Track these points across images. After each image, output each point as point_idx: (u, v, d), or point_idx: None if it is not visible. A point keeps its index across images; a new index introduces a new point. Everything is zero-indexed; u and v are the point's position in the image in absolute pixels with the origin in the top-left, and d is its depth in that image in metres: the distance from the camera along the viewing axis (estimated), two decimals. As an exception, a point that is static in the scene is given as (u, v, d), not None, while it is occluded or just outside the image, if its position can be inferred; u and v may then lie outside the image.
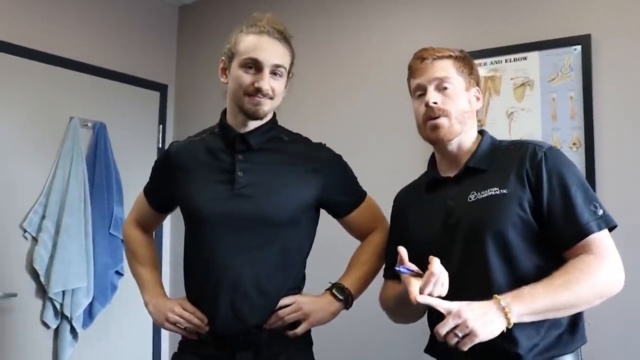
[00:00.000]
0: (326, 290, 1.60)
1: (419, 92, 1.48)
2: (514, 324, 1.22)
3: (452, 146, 1.46)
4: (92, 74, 3.05)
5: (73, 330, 2.77)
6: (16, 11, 2.75)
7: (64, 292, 2.72)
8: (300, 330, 1.53)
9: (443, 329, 1.21)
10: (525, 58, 2.46)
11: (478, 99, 1.51)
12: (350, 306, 1.60)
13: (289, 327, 1.53)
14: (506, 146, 1.46)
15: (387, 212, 1.73)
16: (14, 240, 2.67)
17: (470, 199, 1.39)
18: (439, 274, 1.23)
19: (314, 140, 1.67)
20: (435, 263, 1.24)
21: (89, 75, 3.03)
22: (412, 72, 1.50)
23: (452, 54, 1.47)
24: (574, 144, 2.34)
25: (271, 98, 1.52)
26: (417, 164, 2.65)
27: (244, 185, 1.53)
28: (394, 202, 1.66)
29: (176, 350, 1.64)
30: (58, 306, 2.73)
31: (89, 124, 3.00)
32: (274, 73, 1.52)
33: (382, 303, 1.59)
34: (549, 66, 2.40)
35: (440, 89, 1.44)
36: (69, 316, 2.74)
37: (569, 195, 1.31)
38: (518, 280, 1.29)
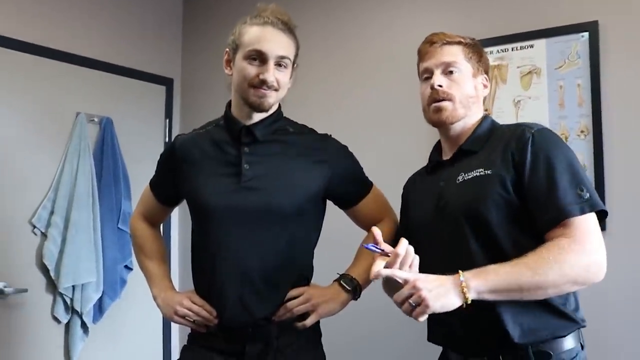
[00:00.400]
0: (334, 281, 1.60)
1: (426, 75, 1.50)
2: (500, 303, 1.25)
3: (455, 130, 1.48)
4: (98, 69, 3.04)
5: (84, 325, 2.79)
6: (22, 7, 2.75)
7: (74, 287, 2.74)
8: (309, 321, 1.53)
9: (398, 296, 1.23)
10: (532, 46, 2.44)
11: (485, 86, 1.53)
12: (359, 297, 1.60)
13: (298, 318, 1.53)
14: (503, 129, 1.46)
15: (392, 203, 1.73)
16: (23, 236, 2.68)
17: (458, 180, 1.40)
18: (404, 255, 1.23)
19: (320, 132, 1.66)
20: (402, 244, 1.24)
21: (94, 70, 3.03)
22: (421, 55, 1.53)
23: (462, 40, 1.49)
24: (582, 131, 2.32)
25: (276, 90, 1.52)
26: (422, 157, 2.65)
27: (251, 178, 1.53)
28: (403, 187, 1.69)
29: (185, 343, 1.65)
30: (68, 301, 2.74)
31: (96, 119, 3.00)
32: (278, 64, 1.51)
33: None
34: (556, 54, 2.38)
35: (447, 73, 1.46)
36: (79, 311, 2.75)
37: (553, 177, 1.29)
38: (502, 261, 1.27)
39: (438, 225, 1.41)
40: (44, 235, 2.72)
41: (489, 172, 1.34)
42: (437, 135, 2.60)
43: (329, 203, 1.67)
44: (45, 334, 2.72)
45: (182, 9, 3.59)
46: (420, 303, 1.19)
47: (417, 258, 1.27)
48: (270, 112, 1.58)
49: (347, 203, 1.67)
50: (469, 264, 1.28)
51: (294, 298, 1.52)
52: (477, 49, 1.51)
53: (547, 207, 1.28)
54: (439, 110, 1.45)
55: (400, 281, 1.22)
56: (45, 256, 2.69)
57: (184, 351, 1.64)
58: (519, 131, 1.37)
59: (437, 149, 1.59)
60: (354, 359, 2.69)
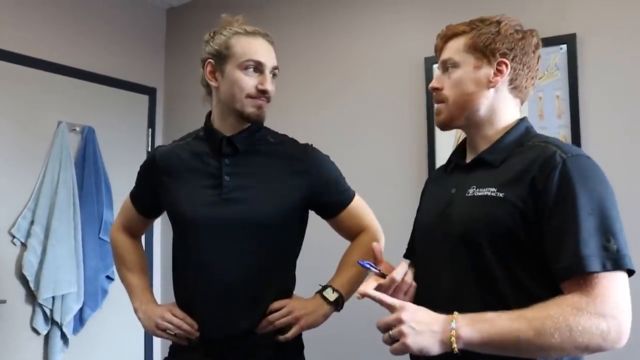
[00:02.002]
0: (316, 292, 1.59)
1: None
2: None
3: (469, 131, 1.32)
4: (80, 78, 3.03)
5: (63, 336, 2.77)
6: (2, 16, 2.74)
7: (53, 297, 2.72)
8: (291, 334, 1.52)
9: (380, 322, 1.08)
10: (512, 58, 2.46)
11: (500, 72, 1.27)
12: (342, 308, 1.60)
13: (280, 331, 1.53)
14: (534, 142, 1.23)
15: (374, 211, 1.73)
16: (2, 246, 2.65)
17: (468, 192, 1.24)
18: (399, 282, 1.14)
19: (302, 141, 1.67)
20: (400, 269, 1.15)
21: (76, 79, 3.02)
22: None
23: (465, 29, 1.31)
24: (562, 142, 2.35)
25: (269, 100, 1.54)
26: (405, 165, 2.69)
27: (231, 190, 1.52)
28: (426, 181, 1.57)
29: (167, 356, 1.64)
30: (48, 312, 2.72)
31: (77, 129, 2.98)
32: (273, 75, 1.54)
33: None
34: (536, 65, 2.41)
35: (445, 71, 1.32)
36: (59, 322, 2.73)
37: (577, 218, 1.07)
38: (494, 298, 1.14)
39: (439, 233, 1.27)
40: (24, 245, 2.70)
41: (501, 195, 1.16)
42: (419, 144, 2.65)
43: (312, 213, 1.67)
44: (24, 346, 2.69)
45: (166, 19, 3.59)
46: (399, 339, 1.05)
47: (413, 286, 1.17)
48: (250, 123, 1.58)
49: (329, 213, 1.67)
50: (455, 287, 1.19)
51: (276, 310, 1.52)
52: (484, 31, 1.28)
53: (563, 253, 1.08)
54: (436, 113, 1.34)
55: (387, 308, 1.09)
56: (24, 266, 2.67)
57: (165, 364, 1.63)
58: (549, 153, 1.15)
59: (462, 146, 1.40)
60: (337, 369, 2.69)
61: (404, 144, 2.73)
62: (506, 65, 1.27)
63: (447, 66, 1.31)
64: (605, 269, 1.05)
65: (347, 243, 1.71)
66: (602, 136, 2.29)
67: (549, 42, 2.40)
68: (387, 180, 2.70)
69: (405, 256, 1.60)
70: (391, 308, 1.08)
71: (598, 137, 2.29)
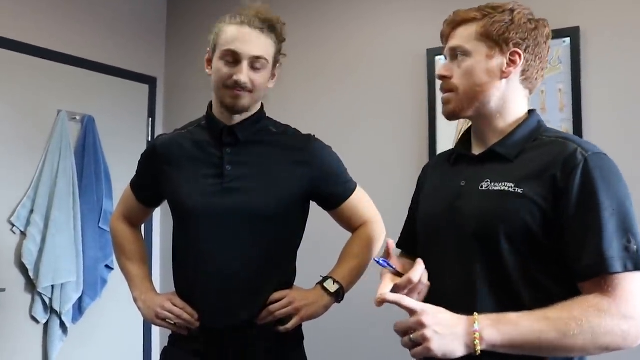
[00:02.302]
0: (317, 284, 1.59)
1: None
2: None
3: (479, 121, 1.28)
4: (80, 67, 3.02)
5: (63, 325, 2.77)
6: (3, 4, 2.72)
7: (53, 286, 2.71)
8: (291, 325, 1.52)
9: (400, 326, 1.07)
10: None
11: (513, 62, 1.23)
12: (342, 299, 1.60)
13: (280, 322, 1.53)
14: (548, 137, 1.21)
15: (376, 203, 1.73)
16: (1, 235, 2.65)
17: (482, 186, 1.20)
18: (417, 283, 1.12)
19: (303, 132, 1.66)
20: (417, 269, 1.13)
21: (76, 67, 3.00)
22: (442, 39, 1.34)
23: (476, 15, 1.24)
24: (563, 136, 2.34)
25: (250, 91, 1.50)
26: (406, 156, 2.68)
27: (233, 179, 1.52)
28: (422, 170, 1.54)
29: (166, 345, 1.64)
30: (47, 301, 2.71)
31: (77, 117, 2.97)
32: (253, 64, 1.49)
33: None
34: (538, 58, 2.41)
35: (454, 59, 1.26)
36: (58, 311, 2.73)
37: (598, 219, 1.07)
38: (506, 298, 1.14)
39: (447, 226, 1.25)
40: (23, 234, 2.70)
41: (519, 190, 1.14)
42: (420, 136, 2.64)
43: (313, 204, 1.67)
44: (23, 334, 2.69)
45: (166, 7, 3.57)
46: (422, 343, 1.02)
47: (427, 285, 1.15)
48: (252, 112, 1.57)
49: (330, 204, 1.66)
50: (469, 284, 1.17)
51: (276, 301, 1.52)
52: (497, 19, 1.22)
53: (585, 253, 1.07)
54: (444, 103, 1.28)
55: (407, 311, 1.06)
56: (24, 255, 2.66)
57: (165, 353, 1.63)
58: (570, 150, 1.13)
59: (467, 137, 1.36)
60: (336, 361, 2.70)
61: (405, 135, 2.72)
62: (519, 55, 1.22)
63: (456, 54, 1.25)
64: (626, 269, 1.05)
65: (348, 234, 1.70)
66: (604, 130, 2.28)
67: (552, 35, 2.39)
68: (388, 172, 2.70)
69: (398, 246, 1.58)
70: (411, 311, 1.05)
71: (600, 131, 2.29)
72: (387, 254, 1.23)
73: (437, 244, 1.27)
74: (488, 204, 1.17)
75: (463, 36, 1.25)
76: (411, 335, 1.04)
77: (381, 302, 1.08)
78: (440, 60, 2.63)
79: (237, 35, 1.48)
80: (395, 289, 1.13)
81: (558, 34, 2.37)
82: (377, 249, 1.68)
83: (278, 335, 1.53)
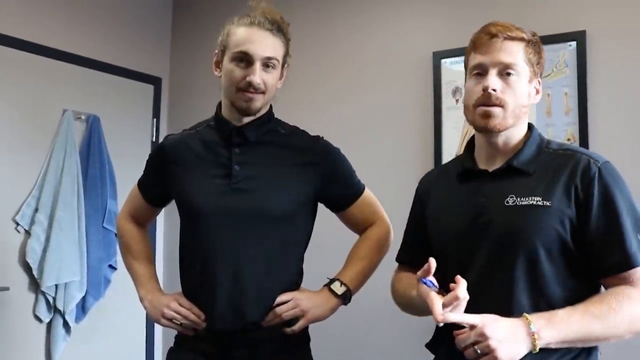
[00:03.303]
0: (324, 286, 1.59)
1: (478, 71, 1.31)
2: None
3: (500, 138, 1.33)
4: (86, 66, 3.02)
5: (66, 324, 2.76)
6: (9, 3, 2.72)
7: (56, 285, 2.71)
8: (297, 327, 1.52)
9: (462, 341, 1.14)
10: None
11: (538, 91, 1.36)
12: (349, 302, 1.59)
13: (287, 323, 1.52)
14: (554, 149, 1.33)
15: (383, 206, 1.73)
16: (6, 233, 2.65)
17: (508, 202, 1.27)
18: (463, 299, 1.16)
19: (312, 134, 1.66)
20: (462, 286, 1.16)
21: (82, 67, 3.00)
22: (476, 46, 1.32)
23: (524, 36, 1.31)
24: (569, 139, 2.35)
25: (263, 92, 1.50)
26: (412, 160, 2.68)
27: (241, 180, 1.52)
28: (419, 183, 1.57)
29: (172, 346, 1.64)
30: (51, 300, 2.71)
31: (83, 117, 2.97)
32: (266, 66, 1.49)
33: (393, 293, 1.53)
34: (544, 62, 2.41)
35: (503, 74, 1.29)
36: (61, 310, 2.73)
37: (618, 221, 1.21)
38: (541, 299, 1.23)
39: (474, 241, 1.30)
40: (28, 233, 2.70)
41: (548, 204, 1.23)
42: (425, 139, 2.64)
43: (320, 206, 1.67)
44: (26, 333, 2.69)
45: (172, 8, 3.58)
46: (488, 353, 1.10)
47: (467, 299, 1.19)
48: (261, 113, 1.57)
49: (338, 206, 1.66)
50: (509, 294, 1.24)
51: (283, 303, 1.51)
52: (538, 48, 1.34)
53: (610, 252, 1.20)
54: (488, 116, 1.28)
55: (467, 326, 1.14)
56: (28, 254, 2.66)
57: (171, 354, 1.63)
58: (585, 163, 1.25)
59: (470, 152, 1.42)
60: (340, 363, 2.70)
61: (410, 138, 2.72)
62: (540, 84, 1.37)
63: (508, 70, 1.29)
64: None
65: (356, 236, 1.70)
66: (609, 133, 2.28)
67: (558, 38, 2.40)
68: (394, 175, 2.70)
69: (401, 260, 1.58)
70: (472, 326, 1.13)
71: (606, 135, 2.29)
72: (427, 273, 1.23)
73: (462, 258, 1.33)
74: (521, 219, 1.25)
75: (516, 53, 1.30)
76: (477, 348, 1.12)
77: (444, 320, 1.13)
78: (445, 63, 2.63)
79: (248, 36, 1.48)
80: (442, 307, 1.17)
81: (564, 37, 2.38)
82: (385, 251, 1.67)
83: (284, 337, 1.52)
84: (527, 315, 1.15)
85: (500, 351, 1.10)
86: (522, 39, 1.30)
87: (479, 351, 1.11)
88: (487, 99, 1.28)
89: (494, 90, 1.27)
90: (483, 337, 1.10)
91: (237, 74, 1.48)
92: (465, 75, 1.38)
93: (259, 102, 1.51)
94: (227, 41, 1.51)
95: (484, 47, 1.30)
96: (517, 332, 1.13)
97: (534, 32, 1.35)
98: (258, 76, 1.47)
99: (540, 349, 1.14)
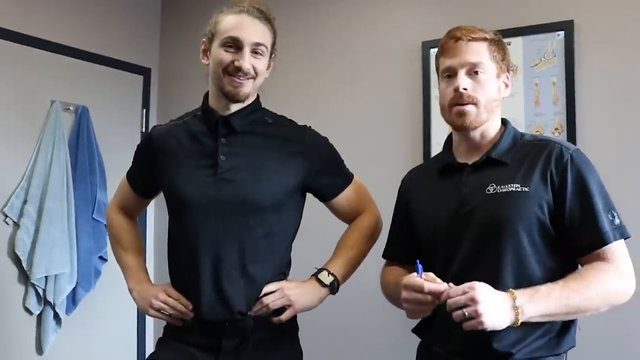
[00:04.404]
0: (312, 275, 1.59)
1: (448, 73, 1.41)
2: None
3: (475, 133, 1.42)
4: (74, 57, 3.00)
5: (56, 316, 2.76)
6: (-6, -8, 2.70)
7: (46, 277, 2.70)
8: (285, 316, 1.53)
9: (454, 304, 1.19)
10: (508, 43, 2.43)
11: (507, 85, 1.47)
12: (337, 291, 1.60)
13: (274, 313, 1.53)
14: (529, 141, 1.43)
15: (372, 196, 1.73)
16: (-5, 225, 2.64)
17: (489, 190, 1.36)
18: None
19: (300, 124, 1.66)
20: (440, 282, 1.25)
21: (70, 57, 2.98)
22: (444, 51, 1.43)
23: (487, 36, 1.41)
24: (556, 129, 2.36)
25: (252, 78, 1.50)
26: (401, 155, 2.68)
27: (227, 169, 1.52)
28: (401, 182, 1.64)
29: (161, 336, 1.64)
30: (41, 292, 2.71)
31: (71, 108, 2.96)
32: (254, 52, 1.50)
33: (383, 287, 1.59)
34: (532, 52, 2.42)
35: (472, 73, 1.38)
36: (52, 302, 2.72)
37: (590, 203, 1.30)
38: (525, 279, 1.29)
39: (459, 231, 1.38)
40: (17, 224, 2.69)
41: (526, 189, 1.32)
42: (414, 129, 2.65)
43: (309, 195, 1.67)
44: (16, 326, 2.69)
45: (161, -3, 3.55)
46: (475, 317, 1.17)
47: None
48: (248, 102, 1.57)
49: (326, 195, 1.66)
50: (495, 276, 1.29)
51: (270, 293, 1.52)
52: (501, 45, 1.44)
53: (585, 232, 1.30)
54: (462, 114, 1.38)
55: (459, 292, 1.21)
56: (17, 246, 2.66)
57: (160, 344, 1.63)
58: (557, 151, 1.35)
59: (449, 148, 1.52)
60: (331, 354, 2.71)
61: (399, 129, 2.73)
62: (509, 79, 1.48)
63: (476, 69, 1.38)
64: (615, 239, 1.29)
65: (345, 226, 1.71)
66: (597, 123, 2.30)
67: (546, 28, 2.41)
68: (382, 166, 2.70)
69: (387, 256, 1.61)
70: (463, 291, 1.20)
71: (593, 124, 2.30)
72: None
73: (447, 248, 1.39)
74: (503, 204, 1.33)
75: (482, 53, 1.40)
76: (465, 311, 1.18)
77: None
78: (434, 53, 2.62)
79: (237, 22, 1.49)
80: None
81: (552, 27, 2.39)
82: (374, 240, 1.68)
83: (273, 327, 1.53)
84: (512, 290, 1.23)
85: (486, 316, 1.16)
86: (484, 39, 1.41)
87: (466, 314, 1.17)
88: (459, 99, 1.38)
89: (465, 89, 1.37)
90: (473, 301, 1.17)
91: (226, 58, 1.48)
92: (438, 78, 1.48)
93: (247, 88, 1.51)
94: (216, 28, 1.51)
95: (451, 51, 1.40)
96: (503, 304, 1.20)
97: (496, 32, 1.45)
98: (247, 60, 1.48)
99: (523, 324, 1.21)
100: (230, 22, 1.49)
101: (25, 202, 2.70)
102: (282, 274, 1.59)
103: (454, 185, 1.42)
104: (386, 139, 2.75)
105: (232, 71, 1.48)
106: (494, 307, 1.18)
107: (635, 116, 2.25)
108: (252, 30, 1.49)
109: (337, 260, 1.62)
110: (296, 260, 1.66)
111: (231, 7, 1.53)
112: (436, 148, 2.57)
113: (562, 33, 2.37)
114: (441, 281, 1.26)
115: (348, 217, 1.69)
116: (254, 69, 1.50)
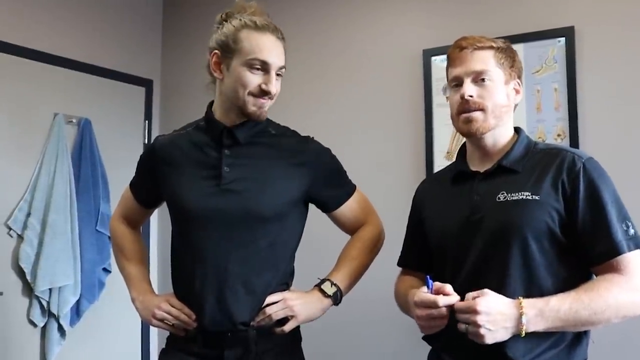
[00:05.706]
0: (315, 286, 1.59)
1: (455, 82, 1.43)
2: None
3: (486, 140, 1.43)
4: (77, 70, 3.01)
5: (60, 329, 2.76)
6: (-3, 7, 2.72)
7: (50, 289, 2.71)
8: (288, 327, 1.52)
9: (459, 311, 1.21)
10: (510, 50, 2.47)
11: (518, 92, 1.46)
12: (340, 302, 1.59)
13: (277, 323, 1.52)
14: (542, 149, 1.42)
15: (374, 204, 1.73)
16: (-1, 238, 2.64)
17: (499, 198, 1.36)
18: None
19: (301, 133, 1.66)
20: (453, 293, 1.27)
21: (73, 70, 3.00)
22: (451, 60, 1.45)
23: (493, 44, 1.42)
24: (559, 135, 2.35)
25: (272, 99, 1.52)
26: (403, 159, 2.68)
27: (231, 181, 1.52)
28: (416, 191, 1.64)
29: (164, 347, 1.64)
30: (45, 304, 2.71)
31: (74, 120, 2.97)
32: (278, 74, 1.51)
33: (395, 295, 1.59)
34: (534, 58, 2.42)
35: (478, 81, 1.40)
36: (56, 314, 2.72)
37: (604, 212, 1.28)
38: (534, 287, 1.29)
39: (469, 237, 1.38)
40: (20, 237, 2.69)
41: (537, 197, 1.31)
42: (417, 137, 2.65)
43: (311, 206, 1.67)
44: (21, 338, 2.69)
45: (162, 10, 3.57)
46: (475, 331, 1.19)
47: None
48: None
49: (329, 206, 1.66)
50: (503, 284, 1.29)
51: (273, 303, 1.51)
52: (509, 52, 1.44)
53: (598, 242, 1.28)
54: (469, 121, 1.39)
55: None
56: (21, 258, 2.66)
57: (163, 355, 1.63)
58: (570, 160, 1.34)
59: (462, 156, 1.52)
60: (334, 362, 2.70)
61: (402, 136, 2.72)
62: (521, 85, 1.46)
63: (481, 76, 1.39)
64: (629, 249, 1.26)
65: (347, 236, 1.70)
66: (599, 129, 2.29)
67: (547, 34, 2.41)
68: (385, 173, 2.70)
69: (402, 264, 1.62)
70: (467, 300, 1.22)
71: (595, 130, 2.30)
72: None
73: (457, 255, 1.40)
74: (513, 212, 1.33)
75: (487, 60, 1.40)
76: (468, 328, 1.20)
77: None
78: (435, 61, 2.64)
79: (264, 44, 1.48)
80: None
81: (553, 33, 2.39)
82: (377, 251, 1.68)
83: (275, 337, 1.52)
84: (521, 299, 1.22)
85: (484, 330, 1.18)
86: (490, 47, 1.42)
87: (466, 327, 1.19)
88: (465, 105, 1.39)
89: (471, 96, 1.38)
90: (474, 312, 1.18)
91: (253, 80, 1.48)
92: (449, 89, 1.48)
93: (267, 107, 1.53)
94: (238, 45, 1.48)
95: (457, 60, 1.42)
96: (507, 316, 1.20)
97: (504, 40, 1.47)
98: (274, 85, 1.50)
99: (534, 334, 1.22)
100: (258, 44, 1.47)
101: (28, 214, 2.71)
102: (285, 284, 1.58)
103: (466, 192, 1.43)
104: (388, 148, 2.75)
105: (259, 93, 1.49)
106: (494, 321, 1.19)
107: (637, 121, 2.25)
108: (278, 54, 1.50)
109: (340, 271, 1.62)
110: (299, 271, 1.65)
111: (251, 22, 1.49)
112: (439, 156, 2.57)
113: (563, 39, 2.37)
114: (451, 289, 1.27)
115: (350, 228, 1.69)
116: (276, 91, 1.52)
